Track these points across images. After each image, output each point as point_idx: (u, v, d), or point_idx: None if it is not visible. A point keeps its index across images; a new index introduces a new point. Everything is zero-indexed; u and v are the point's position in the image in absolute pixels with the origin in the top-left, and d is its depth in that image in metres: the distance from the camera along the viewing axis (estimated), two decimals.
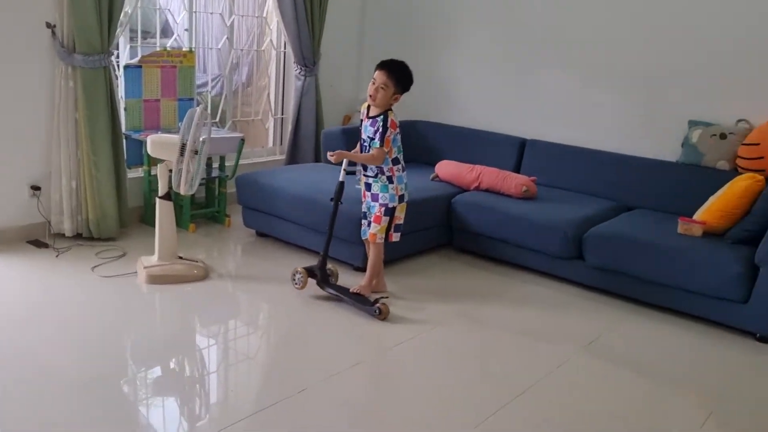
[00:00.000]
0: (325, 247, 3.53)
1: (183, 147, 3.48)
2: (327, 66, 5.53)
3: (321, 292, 3.53)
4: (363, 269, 3.69)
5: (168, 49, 4.68)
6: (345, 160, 3.42)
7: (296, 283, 3.58)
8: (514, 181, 4.35)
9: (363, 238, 3.66)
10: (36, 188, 4.03)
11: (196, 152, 3.52)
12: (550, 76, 4.90)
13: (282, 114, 5.70)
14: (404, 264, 4.17)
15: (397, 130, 3.42)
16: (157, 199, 3.65)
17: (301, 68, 5.29)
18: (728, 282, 3.38)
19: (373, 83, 3.36)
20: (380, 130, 3.35)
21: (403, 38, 5.50)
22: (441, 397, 2.73)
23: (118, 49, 4.41)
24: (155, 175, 3.82)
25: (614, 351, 3.24)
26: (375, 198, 3.49)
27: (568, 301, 3.83)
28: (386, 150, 3.37)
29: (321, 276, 3.53)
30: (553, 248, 3.93)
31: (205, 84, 5.52)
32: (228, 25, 5.15)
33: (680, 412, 2.76)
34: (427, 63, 5.24)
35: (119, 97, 4.34)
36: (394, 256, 4.02)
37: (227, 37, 5.18)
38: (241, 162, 4.73)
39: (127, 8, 4.15)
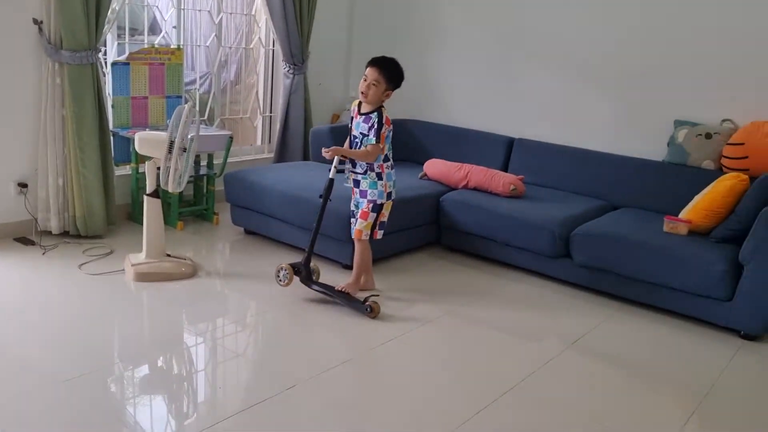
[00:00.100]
0: (310, 243, 3.51)
1: (171, 144, 3.47)
2: (316, 64, 5.53)
3: (309, 289, 3.52)
4: (351, 267, 3.69)
5: (156, 46, 4.66)
6: (336, 158, 3.42)
7: (281, 280, 3.54)
8: (502, 180, 4.37)
9: (353, 237, 3.66)
10: (23, 185, 4.00)
11: (184, 150, 3.52)
12: (538, 75, 4.93)
13: (270, 112, 5.69)
14: (392, 262, 4.18)
15: (391, 126, 3.43)
16: (145, 197, 3.64)
17: (289, 66, 5.29)
18: (713, 280, 3.41)
19: (365, 80, 3.37)
20: (375, 126, 3.36)
21: (392, 37, 5.51)
22: (428, 395, 2.74)
23: (105, 45, 4.40)
24: (143, 173, 3.80)
25: (599, 349, 3.27)
26: (363, 194, 3.49)
27: (554, 299, 3.86)
28: (381, 146, 3.38)
29: (305, 273, 3.51)
30: (541, 247, 3.96)
31: (193, 81, 5.51)
32: (216, 22, 5.14)
33: (664, 410, 2.79)
34: (416, 62, 5.25)
35: (107, 94, 4.32)
36: (382, 254, 4.03)
37: (215, 35, 5.17)
38: (229, 160, 4.72)
39: (115, 5, 4.13)
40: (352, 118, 3.50)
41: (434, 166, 4.68)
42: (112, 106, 4.38)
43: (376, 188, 3.47)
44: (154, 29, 5.27)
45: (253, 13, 5.48)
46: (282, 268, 3.54)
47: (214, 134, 4.64)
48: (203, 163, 4.74)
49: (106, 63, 4.41)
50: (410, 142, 5.22)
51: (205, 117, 5.21)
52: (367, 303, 3.35)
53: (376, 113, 3.38)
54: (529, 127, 4.95)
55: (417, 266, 4.20)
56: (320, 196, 3.46)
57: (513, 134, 4.99)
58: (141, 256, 3.67)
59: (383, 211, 3.53)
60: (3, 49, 3.79)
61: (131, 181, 4.48)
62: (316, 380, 2.76)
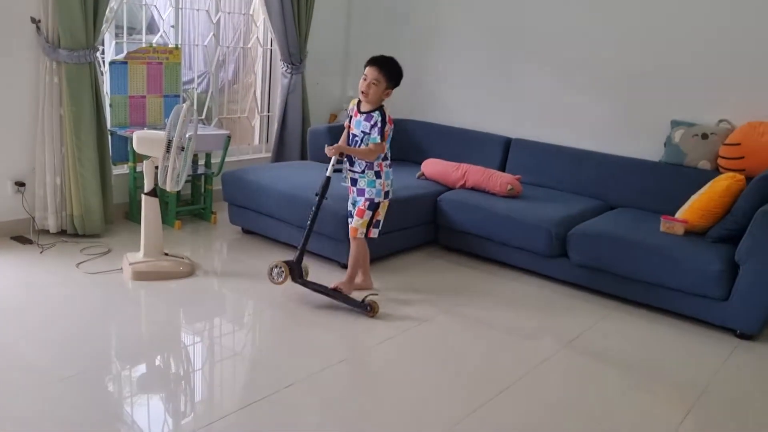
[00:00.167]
0: (303, 241, 3.45)
1: (169, 143, 3.47)
2: (313, 64, 5.53)
3: (306, 289, 3.50)
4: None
5: (154, 45, 4.66)
6: (334, 157, 3.42)
7: (275, 278, 3.43)
8: (499, 180, 4.38)
9: (349, 235, 3.65)
10: (20, 184, 4.00)
11: (182, 149, 3.52)
12: (536, 76, 4.94)
13: (268, 112, 5.69)
14: (390, 261, 4.19)
15: (392, 125, 3.44)
16: (143, 196, 3.64)
17: (287, 66, 5.30)
18: (709, 280, 3.43)
19: (365, 79, 3.37)
20: (378, 125, 3.36)
21: (390, 37, 5.52)
22: (425, 393, 2.75)
23: (103, 44, 4.39)
24: (140, 172, 3.81)
25: (596, 348, 3.28)
26: (361, 192, 3.49)
27: (551, 298, 3.86)
28: (384, 145, 3.39)
29: (297, 271, 3.45)
30: (538, 246, 3.97)
31: (191, 81, 5.51)
32: (214, 22, 5.14)
33: (660, 409, 2.80)
34: (414, 62, 5.25)
35: (104, 93, 4.32)
36: (380, 253, 4.04)
37: (213, 34, 5.17)
38: (227, 159, 4.73)
39: (113, 4, 4.13)
40: (351, 116, 3.50)
41: (432, 166, 4.69)
42: (110, 105, 4.38)
43: (375, 186, 3.47)
44: (152, 28, 5.27)
45: (251, 12, 5.48)
46: (276, 266, 3.43)
47: (212, 133, 4.64)
48: (201, 162, 4.74)
49: (103, 62, 4.41)
50: (408, 142, 5.23)
51: (203, 116, 5.22)
52: (366, 302, 3.36)
53: (378, 112, 3.38)
54: (527, 127, 4.96)
55: (414, 266, 4.21)
56: (316, 194, 3.43)
57: (510, 134, 5.00)
58: (139, 255, 3.67)
59: (379, 209, 3.53)
60: (0, 48, 3.78)
61: (129, 180, 4.48)
62: (313, 379, 2.76)
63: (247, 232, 4.51)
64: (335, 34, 5.85)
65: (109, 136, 4.27)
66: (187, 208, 4.73)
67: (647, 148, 4.45)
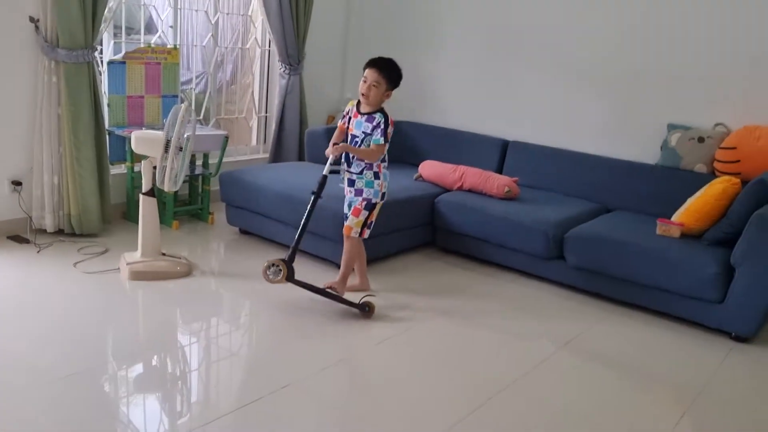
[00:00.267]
0: (296, 240, 3.36)
1: (167, 143, 3.48)
2: (311, 65, 5.54)
3: (303, 289, 3.47)
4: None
5: (152, 45, 4.66)
6: (331, 157, 3.40)
7: (271, 276, 3.30)
8: (497, 182, 4.39)
9: (343, 233, 3.63)
10: (17, 183, 4.00)
11: (180, 149, 3.52)
12: (533, 78, 4.95)
13: (266, 112, 5.70)
14: (387, 263, 4.20)
15: (393, 127, 3.44)
16: (141, 196, 3.64)
17: (285, 67, 5.30)
18: (705, 282, 3.44)
19: (365, 81, 3.37)
20: (381, 126, 3.37)
21: (388, 39, 5.53)
22: (422, 394, 2.75)
23: (102, 44, 4.39)
24: (138, 172, 3.80)
25: (592, 350, 3.29)
26: (359, 193, 3.49)
27: (548, 300, 3.87)
28: (386, 146, 3.40)
29: (291, 271, 3.36)
30: (535, 248, 3.98)
31: (189, 81, 5.51)
32: (213, 22, 5.14)
33: (655, 410, 2.81)
34: (412, 64, 5.25)
35: (103, 92, 4.32)
36: (377, 255, 4.05)
37: (212, 35, 5.17)
38: (224, 160, 4.73)
39: (112, 3, 4.13)
40: (350, 117, 3.50)
41: (429, 168, 4.69)
42: (108, 105, 4.38)
43: (373, 187, 3.48)
44: (150, 29, 5.27)
45: (249, 13, 5.49)
46: (274, 264, 3.31)
47: (210, 134, 4.65)
48: (199, 162, 4.74)
49: (102, 62, 4.41)
50: (405, 144, 5.23)
51: (201, 117, 5.22)
52: (364, 302, 3.36)
53: (380, 113, 3.39)
54: (524, 130, 4.98)
55: (412, 267, 4.22)
56: (312, 192, 3.38)
57: (508, 136, 5.02)
58: (136, 255, 3.67)
59: (375, 210, 3.53)
60: None
61: (126, 180, 4.48)
62: (310, 380, 2.77)
63: (244, 232, 4.52)
64: (333, 36, 5.86)
65: (107, 136, 4.27)
66: (185, 208, 4.73)
67: (643, 151, 4.47)
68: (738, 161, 3.96)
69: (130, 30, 5.11)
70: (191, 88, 5.46)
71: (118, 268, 3.68)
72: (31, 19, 3.82)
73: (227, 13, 5.41)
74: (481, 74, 5.21)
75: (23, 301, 3.28)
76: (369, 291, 3.67)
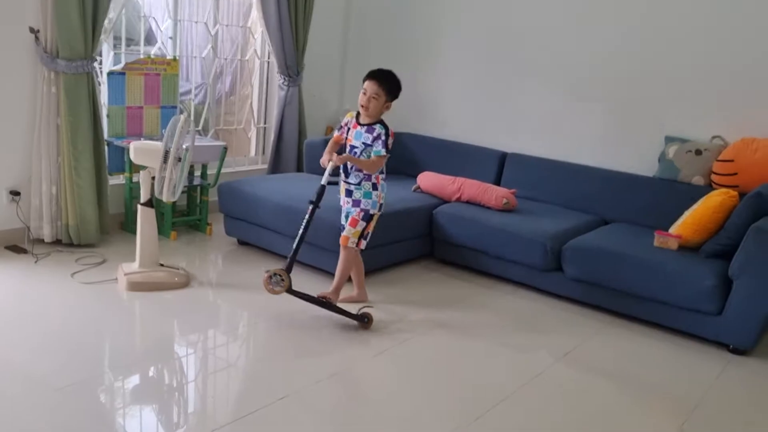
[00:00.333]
0: (294, 249, 3.33)
1: (166, 154, 3.48)
2: (310, 76, 5.56)
3: (300, 300, 3.45)
4: (348, 279, 3.68)
5: (152, 56, 4.68)
6: (329, 167, 3.40)
7: (273, 286, 3.26)
8: (495, 194, 4.40)
9: (340, 243, 3.62)
10: (15, 193, 4.00)
11: (179, 159, 3.53)
12: (531, 91, 4.97)
13: (265, 123, 5.71)
14: (385, 274, 4.20)
15: (393, 138, 3.46)
16: (139, 206, 3.64)
17: (284, 78, 5.32)
18: (702, 295, 3.44)
19: (364, 93, 3.39)
20: (382, 137, 3.39)
21: (387, 51, 5.55)
22: (419, 407, 2.75)
23: (101, 55, 4.41)
24: (137, 182, 3.81)
25: (590, 362, 3.29)
26: (357, 203, 3.49)
27: (546, 312, 3.87)
28: (387, 157, 3.41)
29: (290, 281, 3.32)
30: (533, 260, 3.98)
31: (188, 92, 5.53)
32: (212, 34, 5.17)
33: (653, 423, 2.80)
34: (411, 76, 5.27)
35: (102, 103, 4.33)
36: (375, 266, 4.05)
37: (211, 46, 5.20)
38: (223, 171, 4.74)
39: (112, 15, 4.15)
40: (349, 128, 3.51)
41: (428, 179, 4.70)
42: (107, 116, 4.39)
43: (371, 198, 3.48)
44: (150, 40, 5.30)
45: (248, 25, 5.51)
46: (276, 274, 3.28)
47: (209, 145, 4.66)
48: (197, 173, 4.75)
49: (101, 72, 4.43)
50: (404, 155, 5.25)
51: (200, 127, 5.23)
52: (362, 314, 3.36)
53: (380, 125, 3.41)
54: (522, 142, 4.99)
55: (409, 278, 4.22)
56: (310, 202, 3.35)
57: (506, 148, 5.03)
58: (134, 266, 3.67)
59: (372, 222, 3.53)
60: None
61: (125, 190, 4.48)
62: (307, 391, 2.76)
63: (242, 243, 4.52)
64: (332, 47, 5.88)
65: (106, 147, 4.28)
66: (183, 219, 4.73)
67: (641, 163, 4.48)
68: (735, 174, 3.98)
69: (130, 41, 5.14)
70: (190, 99, 5.48)
71: (116, 279, 3.68)
72: (31, 30, 3.83)
73: (227, 25, 5.44)
74: (480, 86, 5.23)
75: (20, 311, 3.27)
76: (367, 302, 3.67)
